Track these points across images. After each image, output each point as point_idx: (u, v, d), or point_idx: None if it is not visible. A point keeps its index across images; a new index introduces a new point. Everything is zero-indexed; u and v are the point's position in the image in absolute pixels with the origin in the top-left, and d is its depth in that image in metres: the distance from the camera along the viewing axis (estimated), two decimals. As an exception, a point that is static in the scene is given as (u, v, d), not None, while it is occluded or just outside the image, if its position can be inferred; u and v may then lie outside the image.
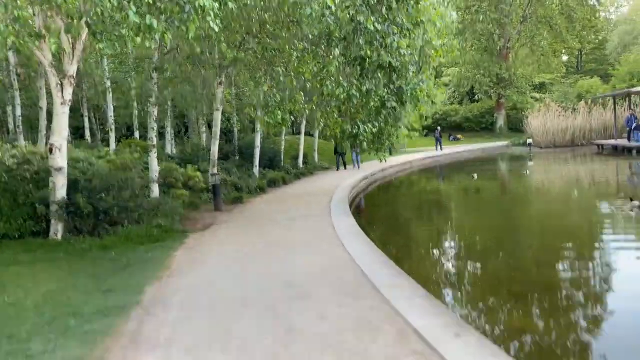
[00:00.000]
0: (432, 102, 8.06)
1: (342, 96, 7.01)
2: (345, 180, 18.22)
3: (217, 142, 15.07)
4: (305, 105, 8.77)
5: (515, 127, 48.29)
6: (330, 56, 7.39)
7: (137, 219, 10.05)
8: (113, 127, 18.35)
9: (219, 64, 14.44)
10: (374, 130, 9.13)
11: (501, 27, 44.18)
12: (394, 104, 7.32)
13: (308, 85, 8.48)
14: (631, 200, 11.00)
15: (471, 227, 11.12)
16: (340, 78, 7.24)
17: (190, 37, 5.43)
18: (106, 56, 13.34)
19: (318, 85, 7.68)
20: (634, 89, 28.05)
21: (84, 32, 6.92)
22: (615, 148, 29.18)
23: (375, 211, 14.64)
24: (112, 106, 16.36)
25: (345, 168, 23.84)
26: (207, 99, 16.78)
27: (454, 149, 35.83)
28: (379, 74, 7.07)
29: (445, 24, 8.26)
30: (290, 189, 17.43)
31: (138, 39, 5.32)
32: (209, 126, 23.36)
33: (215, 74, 14.78)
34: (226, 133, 25.31)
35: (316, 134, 26.36)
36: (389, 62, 6.79)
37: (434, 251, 9.58)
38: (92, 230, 9.36)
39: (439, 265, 8.44)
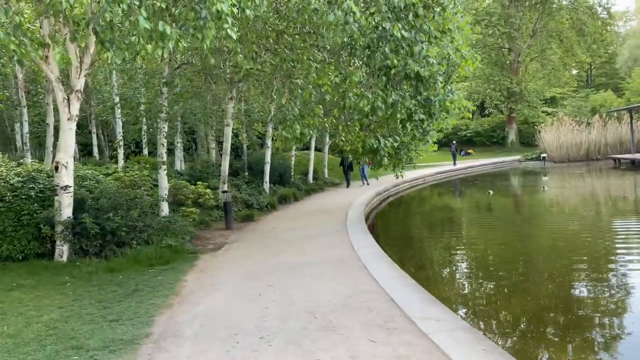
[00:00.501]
0: (462, 114, 7.60)
1: (366, 108, 6.56)
2: (359, 197, 17.74)
3: (227, 158, 14.69)
4: (325, 119, 8.32)
5: (527, 141, 47.76)
6: (353, 66, 6.96)
7: (146, 240, 9.61)
8: (122, 143, 18.02)
9: (231, 79, 14.12)
10: (395, 144, 8.69)
11: (511, 41, 43.86)
12: (422, 116, 6.85)
13: (327, 98, 8.03)
14: None
15: (500, 252, 10.57)
16: (363, 89, 6.80)
17: (206, 47, 5.01)
18: (115, 70, 13.01)
19: (339, 98, 7.24)
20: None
21: (92, 43, 6.57)
22: (633, 162, 28.55)
23: (391, 229, 14.11)
24: (120, 122, 16.03)
25: (348, 185, 22.76)
26: (217, 114, 16.43)
27: (466, 163, 35.26)
28: (405, 85, 6.63)
29: (464, 35, 7.89)
30: (302, 205, 16.95)
31: (149, 47, 4.91)
32: (219, 142, 23.05)
33: (227, 88, 14.47)
34: (235, 149, 24.98)
35: (326, 149, 25.94)
36: (417, 71, 6.35)
37: (461, 276, 9.04)
38: (99, 251, 8.92)
39: (471, 292, 7.91)
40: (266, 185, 17.86)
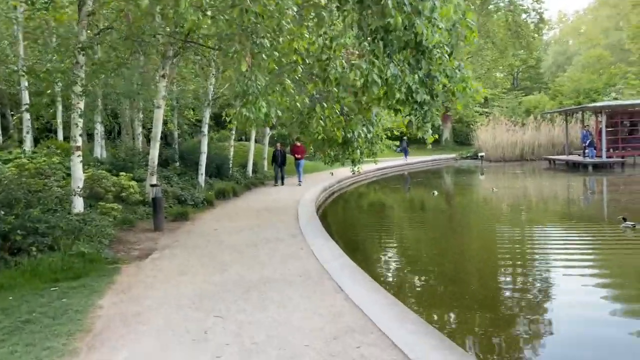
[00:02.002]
0: (472, 98, 6.15)
1: (358, 83, 4.98)
2: (305, 193, 16.18)
3: (157, 146, 12.63)
4: (298, 97, 6.58)
5: (461, 140, 48.22)
6: (339, 23, 5.32)
7: (50, 245, 7.53)
8: (30, 123, 15.31)
9: (164, 52, 12.06)
10: (369, 135, 7.25)
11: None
12: (425, 96, 5.34)
13: (300, 69, 6.31)
14: (624, 220, 10.70)
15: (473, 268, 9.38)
16: (355, 58, 5.21)
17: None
18: (21, 32, 10.50)
19: (319, 68, 5.59)
20: (590, 105, 27.83)
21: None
22: (567, 163, 28.97)
23: (343, 231, 12.66)
24: (27, 94, 13.34)
25: (283, 183, 19.75)
26: (146, 93, 14.20)
27: (401, 161, 34.68)
28: (402, 56, 5.11)
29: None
30: (244, 202, 15.13)
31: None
32: (146, 128, 20.61)
33: (159, 64, 12.42)
34: (164, 137, 22.59)
35: (266, 140, 24.15)
36: (421, 39, 4.86)
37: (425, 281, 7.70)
38: (-18, 262, 6.79)
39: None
40: (201, 178, 15.85)
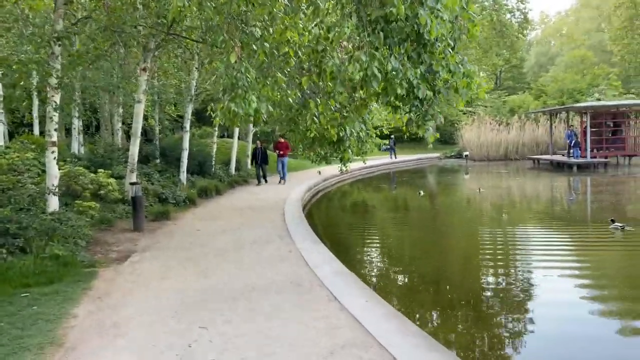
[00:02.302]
0: (475, 94, 5.79)
1: (356, 77, 4.61)
2: (292, 191, 15.81)
3: (137, 142, 12.14)
4: (290, 92, 6.16)
5: (444, 139, 48.25)
6: (336, 11, 4.91)
7: (22, 247, 7.06)
8: (3, 117, 14.64)
9: (145, 44, 11.56)
10: (362, 133, 6.92)
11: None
12: (428, 92, 4.98)
13: (292, 62, 5.89)
14: (612, 221, 10.60)
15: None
16: (352, 49, 4.84)
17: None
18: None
19: (313, 61, 5.20)
20: (576, 105, 27.92)
21: None
22: (551, 163, 29.05)
23: (331, 231, 12.32)
24: (0, 89, 12.68)
25: (266, 181, 19.19)
26: (125, 87, 13.64)
27: (388, 159, 34.49)
28: (403, 49, 4.75)
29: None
30: (227, 200, 14.69)
31: None
32: (126, 124, 20.00)
33: (140, 56, 11.93)
34: (145, 133, 21.99)
35: (250, 137, 23.68)
36: (422, 30, 4.52)
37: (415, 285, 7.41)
38: (-54, 266, 6.31)
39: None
40: (183, 176, 15.36)
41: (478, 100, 50.63)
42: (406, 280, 7.80)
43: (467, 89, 5.13)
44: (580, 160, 25.89)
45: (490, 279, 7.62)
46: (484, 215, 13.92)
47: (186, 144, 15.53)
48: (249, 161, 21.79)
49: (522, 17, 48.38)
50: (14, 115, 20.96)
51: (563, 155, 30.01)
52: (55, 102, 8.29)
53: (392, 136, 36.34)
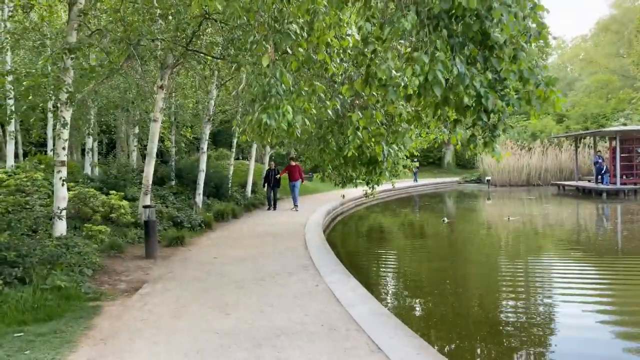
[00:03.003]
0: (550, 107, 5.06)
1: (415, 81, 3.88)
2: (311, 215, 15.08)
3: (152, 163, 11.54)
4: (329, 102, 5.36)
5: (463, 163, 47.34)
6: (387, 4, 4.14)
7: (21, 277, 6.36)
8: (14, 135, 14.15)
9: (163, 61, 11.04)
10: (400, 153, 6.19)
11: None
12: (499, 102, 4.20)
13: (334, 67, 5.10)
14: None
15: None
16: (409, 51, 4.10)
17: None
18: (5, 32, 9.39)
19: (358, 65, 4.47)
20: (605, 129, 26.87)
21: None
22: (577, 189, 28.00)
23: (356, 260, 11.49)
24: (13, 104, 12.16)
25: (275, 208, 17.70)
26: (141, 104, 13.09)
27: (406, 183, 33.61)
28: (467, 51, 4.00)
29: None
30: (245, 225, 13.97)
31: None
32: (142, 146, 19.49)
33: (157, 73, 11.41)
34: (161, 154, 21.49)
35: (266, 159, 23.06)
36: (484, 29, 3.78)
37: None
38: None
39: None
40: (199, 198, 14.70)
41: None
42: (453, 320, 6.95)
43: (543, 99, 4.35)
44: (610, 186, 24.84)
45: (561, 321, 6.74)
46: (519, 245, 12.95)
47: (203, 165, 14.91)
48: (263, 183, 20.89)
49: (543, 41, 47.95)
50: (28, 135, 20.59)
51: (589, 181, 28.95)
52: (64, 118, 7.70)
53: (416, 159, 35.64)
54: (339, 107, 5.45)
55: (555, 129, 39.04)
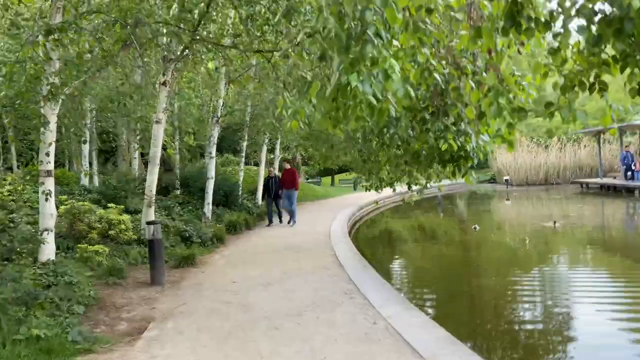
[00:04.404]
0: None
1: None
2: (333, 223, 13.61)
3: (156, 170, 10.06)
4: (437, 65, 3.90)
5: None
6: None
7: (-10, 322, 4.87)
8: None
9: (165, 55, 9.60)
10: (467, 146, 4.75)
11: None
12: None
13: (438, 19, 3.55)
14: None
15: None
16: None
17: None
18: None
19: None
20: (636, 123, 25.26)
21: None
22: (602, 187, 26.47)
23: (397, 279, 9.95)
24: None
25: (280, 221, 14.78)
26: (140, 102, 11.62)
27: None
28: None
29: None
30: (259, 237, 12.47)
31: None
32: (143, 154, 18.00)
33: (160, 69, 9.98)
34: (164, 161, 20.01)
35: (276, 164, 21.56)
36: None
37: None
38: None
39: None
40: (208, 208, 13.22)
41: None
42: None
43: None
44: (641, 183, 23.30)
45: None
46: (595, 261, 10.96)
47: (212, 172, 13.44)
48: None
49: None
50: (22, 143, 19.12)
51: (615, 177, 27.42)
52: (45, 116, 6.24)
53: None
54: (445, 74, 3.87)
55: (572, 125, 37.49)
